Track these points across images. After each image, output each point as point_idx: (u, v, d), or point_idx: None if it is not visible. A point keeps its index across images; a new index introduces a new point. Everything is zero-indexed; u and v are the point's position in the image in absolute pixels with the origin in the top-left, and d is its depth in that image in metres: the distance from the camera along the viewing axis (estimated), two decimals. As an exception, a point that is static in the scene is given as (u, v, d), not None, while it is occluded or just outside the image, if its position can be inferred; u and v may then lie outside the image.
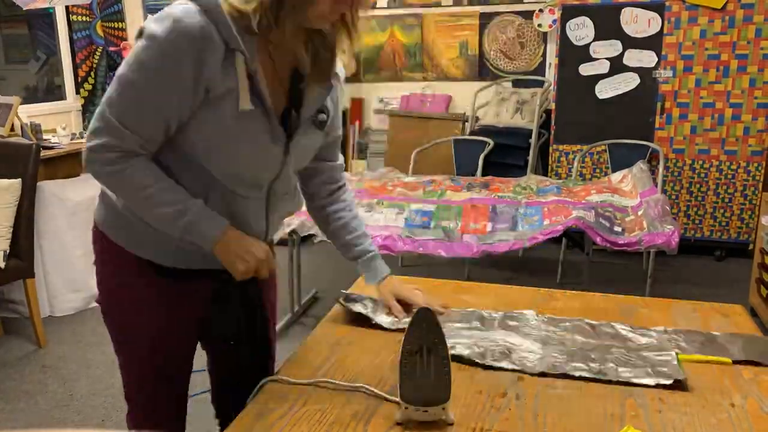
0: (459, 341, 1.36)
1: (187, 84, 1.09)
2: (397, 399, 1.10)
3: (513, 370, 1.26)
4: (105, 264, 1.32)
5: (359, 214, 1.50)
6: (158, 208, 1.15)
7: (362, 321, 1.49)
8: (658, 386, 1.19)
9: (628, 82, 4.09)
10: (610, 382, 1.21)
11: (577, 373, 1.24)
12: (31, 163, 2.86)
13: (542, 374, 1.25)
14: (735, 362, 1.29)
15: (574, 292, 1.71)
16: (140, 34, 1.10)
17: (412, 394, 1.08)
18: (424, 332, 1.07)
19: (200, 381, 2.82)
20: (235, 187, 1.21)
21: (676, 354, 1.30)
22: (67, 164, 3.39)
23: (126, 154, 1.13)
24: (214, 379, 1.55)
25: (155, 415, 1.41)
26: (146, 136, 1.13)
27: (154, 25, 1.08)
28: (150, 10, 5.85)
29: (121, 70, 1.11)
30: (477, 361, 1.29)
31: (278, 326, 2.96)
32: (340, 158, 1.47)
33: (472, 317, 1.49)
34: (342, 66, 1.29)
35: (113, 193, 1.22)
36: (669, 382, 1.20)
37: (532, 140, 4.31)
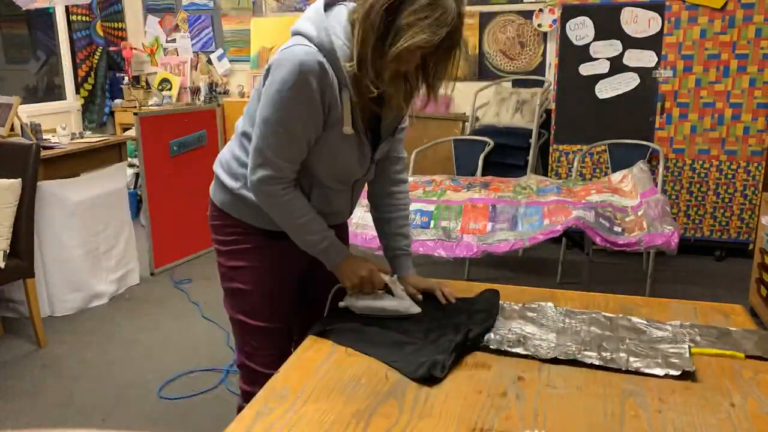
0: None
1: (319, 112, 1.36)
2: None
3: (526, 356, 1.30)
4: (225, 233, 1.57)
5: (410, 216, 1.71)
6: (307, 234, 1.49)
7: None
8: (666, 377, 1.21)
9: (628, 82, 4.09)
10: (620, 370, 1.24)
11: (588, 361, 1.27)
12: (31, 163, 2.86)
13: (555, 360, 1.28)
14: (748, 357, 1.30)
15: (574, 292, 1.71)
16: (267, 73, 1.36)
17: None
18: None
19: (203, 380, 2.83)
20: (331, 184, 1.50)
21: (689, 347, 1.32)
22: (66, 164, 3.39)
23: (287, 183, 1.42)
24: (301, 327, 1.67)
25: (267, 359, 1.59)
26: (296, 161, 1.42)
27: (283, 71, 1.31)
28: (150, 9, 5.85)
29: (265, 113, 1.36)
30: (492, 347, 1.34)
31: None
32: (404, 152, 1.70)
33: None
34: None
35: (272, 216, 1.48)
36: (678, 373, 1.22)
37: (532, 140, 4.31)
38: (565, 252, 3.83)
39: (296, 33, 1.37)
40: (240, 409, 1.58)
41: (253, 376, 1.59)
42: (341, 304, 1.54)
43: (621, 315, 1.49)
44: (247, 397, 1.57)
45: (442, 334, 1.39)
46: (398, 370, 1.27)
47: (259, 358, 1.60)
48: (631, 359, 1.27)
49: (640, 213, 2.87)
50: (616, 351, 1.31)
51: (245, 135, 1.49)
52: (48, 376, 2.75)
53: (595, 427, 1.07)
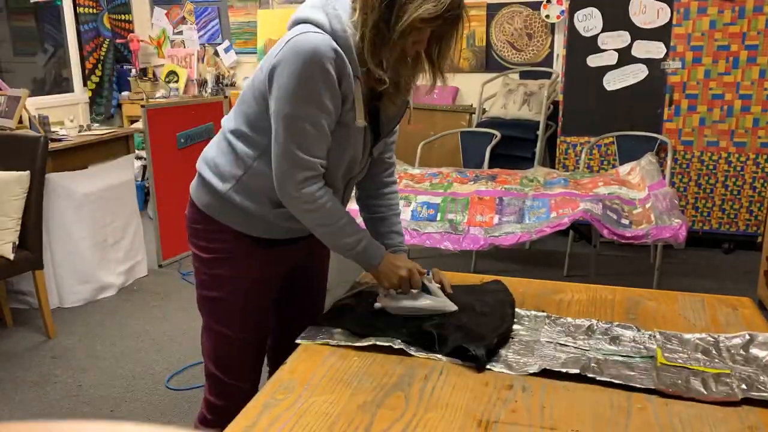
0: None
1: (338, 102, 1.29)
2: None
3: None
4: (208, 239, 1.46)
5: (401, 216, 1.65)
6: (345, 237, 1.41)
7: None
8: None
9: (636, 74, 4.06)
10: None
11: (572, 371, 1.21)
12: (39, 156, 2.87)
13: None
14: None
15: (581, 284, 1.71)
16: (272, 71, 1.27)
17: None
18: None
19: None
20: (332, 181, 1.42)
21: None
22: (74, 156, 3.40)
23: (323, 183, 1.36)
24: (277, 334, 1.66)
25: (241, 371, 1.54)
26: (324, 155, 1.34)
27: (299, 61, 1.23)
28: (156, 2, 5.84)
29: (286, 109, 1.27)
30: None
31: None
32: (394, 158, 1.64)
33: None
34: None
35: (307, 223, 1.40)
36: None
37: (540, 132, 4.30)
38: (572, 244, 3.82)
39: (302, 21, 1.29)
40: (204, 419, 1.54)
41: (223, 388, 1.52)
42: (377, 305, 1.47)
43: (653, 333, 1.37)
44: (212, 408, 1.53)
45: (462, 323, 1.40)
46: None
47: (233, 371, 1.52)
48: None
49: (647, 205, 2.86)
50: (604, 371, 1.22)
51: (237, 134, 1.39)
52: (57, 368, 2.77)
53: (601, 419, 1.07)
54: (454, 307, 1.47)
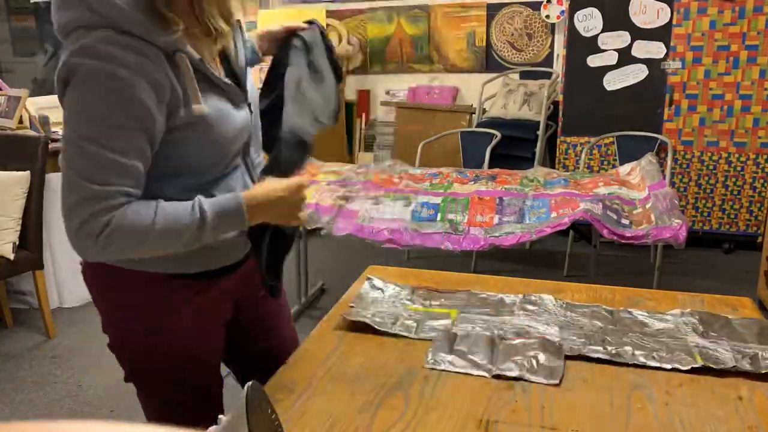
0: (478, 325, 1.41)
1: (151, 110, 1.00)
2: None
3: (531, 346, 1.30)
4: (124, 293, 1.20)
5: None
6: (176, 229, 1.04)
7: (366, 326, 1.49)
8: (674, 370, 1.22)
9: (636, 74, 4.06)
10: (626, 364, 1.24)
11: (594, 355, 1.27)
12: (39, 156, 2.88)
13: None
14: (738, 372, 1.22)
15: (581, 284, 1.71)
16: (64, 83, 0.99)
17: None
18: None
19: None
20: (220, 169, 1.16)
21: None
22: (75, 156, 3.40)
23: (113, 210, 1.01)
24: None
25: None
26: (132, 179, 1.02)
27: (84, 79, 0.97)
28: (157, 2, 5.84)
29: (68, 132, 0.99)
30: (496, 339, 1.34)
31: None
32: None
33: (491, 301, 1.56)
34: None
35: (128, 256, 1.09)
36: (686, 368, 1.22)
37: (540, 132, 4.30)
38: (572, 244, 3.82)
39: (68, 32, 1.00)
40: None
41: None
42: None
43: (622, 308, 1.49)
44: None
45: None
46: None
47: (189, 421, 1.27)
48: (637, 352, 1.28)
49: (648, 206, 2.86)
50: (620, 345, 1.31)
51: None
52: (57, 367, 2.77)
53: (601, 419, 1.07)
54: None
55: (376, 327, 1.40)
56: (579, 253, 3.84)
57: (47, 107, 3.79)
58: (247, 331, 1.38)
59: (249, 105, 1.20)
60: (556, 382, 1.18)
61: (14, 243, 2.80)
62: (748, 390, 1.16)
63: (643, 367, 1.23)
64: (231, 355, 1.38)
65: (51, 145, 3.07)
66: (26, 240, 2.86)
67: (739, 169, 4.00)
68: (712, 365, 1.22)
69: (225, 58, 1.20)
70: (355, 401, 1.14)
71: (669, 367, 1.23)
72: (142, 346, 1.21)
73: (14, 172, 2.82)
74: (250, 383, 0.76)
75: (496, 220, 2.90)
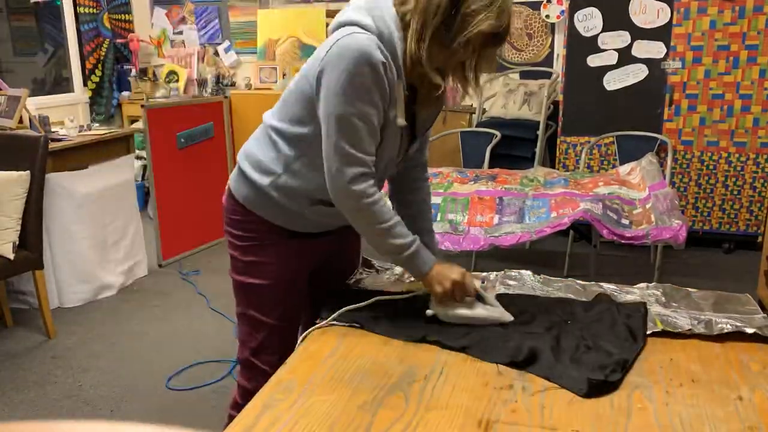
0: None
1: (386, 101, 1.32)
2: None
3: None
4: (244, 229, 1.51)
5: (431, 210, 1.68)
6: (393, 238, 1.39)
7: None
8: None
9: (636, 74, 4.06)
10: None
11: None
12: (39, 156, 2.87)
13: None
14: (692, 335, 1.37)
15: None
16: (320, 73, 1.30)
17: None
18: None
19: (211, 371, 2.84)
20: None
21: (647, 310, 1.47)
22: (74, 156, 3.40)
23: (375, 180, 1.37)
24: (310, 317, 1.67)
25: (273, 356, 1.55)
26: (374, 152, 1.36)
27: (349, 60, 1.26)
28: (157, 1, 5.84)
29: (338, 109, 1.29)
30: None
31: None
32: (427, 156, 1.66)
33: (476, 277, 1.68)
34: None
35: (357, 223, 1.41)
36: (648, 333, 1.37)
37: (540, 132, 4.30)
38: (572, 244, 3.82)
39: (347, 23, 1.32)
40: (236, 404, 1.59)
41: (255, 373, 1.56)
42: (428, 312, 1.42)
43: (593, 282, 1.65)
44: (244, 394, 1.56)
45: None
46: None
47: (264, 356, 1.56)
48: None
49: (648, 206, 2.86)
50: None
51: (279, 132, 1.43)
52: (57, 368, 2.77)
53: (601, 419, 1.07)
54: (510, 317, 1.41)
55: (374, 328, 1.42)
56: (579, 253, 3.84)
57: (46, 107, 3.80)
58: (324, 274, 1.67)
59: (408, 152, 1.51)
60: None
61: (14, 243, 2.80)
62: (748, 390, 1.16)
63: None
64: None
65: (51, 145, 3.07)
66: (26, 240, 2.86)
67: (739, 169, 4.00)
68: (670, 329, 1.37)
69: (412, 117, 1.47)
70: (355, 401, 1.13)
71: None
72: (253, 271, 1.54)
73: (14, 172, 2.82)
74: None
75: (496, 220, 2.90)
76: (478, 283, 1.44)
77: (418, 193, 1.62)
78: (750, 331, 1.34)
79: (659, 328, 1.38)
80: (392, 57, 1.30)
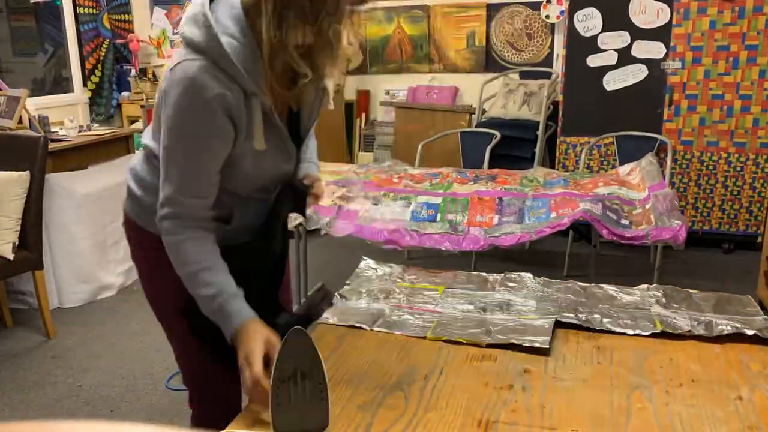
0: (462, 299, 1.57)
1: (227, 134, 1.17)
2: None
3: (510, 321, 1.45)
4: (143, 248, 1.40)
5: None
6: (199, 287, 1.22)
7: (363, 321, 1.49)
8: (636, 335, 1.38)
9: (636, 74, 4.06)
10: (594, 329, 1.40)
11: (566, 320, 1.42)
12: (39, 156, 2.87)
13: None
14: (692, 337, 1.38)
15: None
16: (162, 97, 1.17)
17: (286, 424, 0.99)
18: (299, 355, 1.00)
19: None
20: (256, 195, 1.32)
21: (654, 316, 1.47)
22: (74, 157, 3.40)
23: (192, 222, 1.22)
24: None
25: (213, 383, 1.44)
26: (205, 197, 1.23)
27: (176, 95, 1.13)
28: (156, 2, 5.84)
29: (165, 143, 1.18)
30: (478, 314, 1.49)
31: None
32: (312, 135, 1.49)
33: (475, 279, 1.74)
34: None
35: (171, 260, 1.26)
36: (647, 333, 1.37)
37: (540, 132, 4.30)
38: (572, 245, 3.82)
39: (185, 43, 1.17)
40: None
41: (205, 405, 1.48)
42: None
43: (594, 284, 1.66)
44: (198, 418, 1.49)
45: None
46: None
47: (210, 386, 1.47)
48: (605, 320, 1.42)
49: (647, 206, 2.86)
50: (590, 314, 1.46)
51: (148, 150, 1.33)
52: (57, 368, 2.77)
53: (601, 419, 1.07)
54: None
55: (358, 326, 1.44)
56: (579, 253, 3.84)
57: (46, 107, 3.80)
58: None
59: (298, 154, 1.35)
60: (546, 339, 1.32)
61: (14, 243, 2.80)
62: (748, 390, 1.16)
63: (609, 332, 1.38)
64: None
65: (50, 145, 3.07)
66: (26, 240, 2.86)
67: (738, 169, 4.00)
68: (670, 330, 1.37)
69: (295, 114, 1.32)
70: (355, 401, 1.13)
71: (632, 332, 1.38)
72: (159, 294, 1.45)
73: (14, 173, 2.82)
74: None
75: (495, 220, 2.90)
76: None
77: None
78: (750, 332, 1.34)
79: (659, 329, 1.38)
80: (232, 74, 1.13)
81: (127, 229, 1.43)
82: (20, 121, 3.42)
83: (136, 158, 1.41)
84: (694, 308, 1.50)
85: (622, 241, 2.68)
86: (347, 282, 1.65)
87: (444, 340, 1.36)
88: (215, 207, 1.26)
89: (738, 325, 1.37)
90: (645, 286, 1.63)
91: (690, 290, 1.60)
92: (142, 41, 5.78)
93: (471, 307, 1.51)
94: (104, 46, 5.62)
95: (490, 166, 3.94)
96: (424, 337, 1.37)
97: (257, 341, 1.15)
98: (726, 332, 1.35)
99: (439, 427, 1.05)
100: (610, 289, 1.62)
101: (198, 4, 1.15)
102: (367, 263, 1.81)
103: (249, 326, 1.18)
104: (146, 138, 1.35)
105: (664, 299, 1.55)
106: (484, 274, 1.73)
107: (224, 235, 1.29)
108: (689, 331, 1.37)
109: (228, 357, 1.23)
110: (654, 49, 4.00)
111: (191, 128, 1.16)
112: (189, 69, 1.13)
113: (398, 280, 1.70)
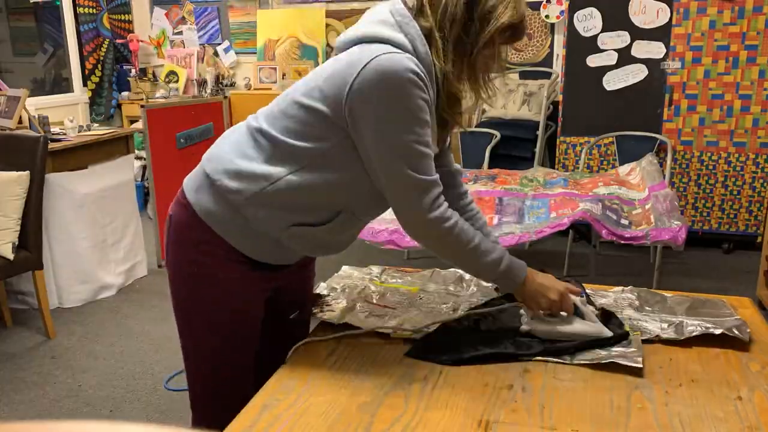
0: (437, 298, 1.58)
1: (432, 119, 1.24)
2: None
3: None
4: (197, 250, 1.32)
5: (485, 220, 1.55)
6: (485, 256, 1.29)
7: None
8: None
9: (636, 74, 4.06)
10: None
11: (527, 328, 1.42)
12: (38, 156, 2.87)
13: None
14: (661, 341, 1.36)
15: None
16: (355, 93, 1.15)
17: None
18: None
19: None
20: (371, 211, 1.35)
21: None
22: (74, 157, 3.40)
23: (444, 201, 1.26)
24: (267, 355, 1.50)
25: (226, 397, 1.38)
26: (436, 173, 1.25)
27: (391, 85, 1.15)
28: (156, 2, 5.84)
29: (390, 140, 1.18)
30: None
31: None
32: (456, 165, 1.56)
33: (450, 278, 1.72)
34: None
35: (445, 252, 1.30)
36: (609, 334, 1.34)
37: (539, 132, 4.30)
38: (571, 245, 3.82)
39: (374, 40, 1.19)
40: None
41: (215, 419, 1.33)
42: (523, 328, 1.35)
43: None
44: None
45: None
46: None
47: (224, 399, 1.39)
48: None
49: (647, 206, 2.86)
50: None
51: (271, 139, 1.23)
52: (56, 368, 2.77)
53: (601, 419, 1.07)
54: (609, 333, 1.32)
55: (358, 326, 1.43)
56: (579, 253, 3.84)
57: (46, 107, 3.80)
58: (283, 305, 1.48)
59: None
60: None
61: (14, 243, 2.80)
62: (748, 390, 1.16)
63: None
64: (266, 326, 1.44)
65: (50, 145, 3.07)
66: (26, 240, 2.86)
67: (738, 169, 4.00)
68: (637, 334, 1.35)
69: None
70: (355, 400, 1.14)
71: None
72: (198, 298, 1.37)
73: (14, 172, 2.82)
74: None
75: (495, 220, 2.90)
76: (577, 299, 1.35)
77: (468, 212, 1.49)
78: (717, 332, 1.32)
79: (631, 333, 1.36)
80: (429, 78, 1.21)
81: (185, 226, 1.32)
82: (20, 121, 3.42)
83: (227, 146, 1.29)
84: (667, 311, 1.47)
85: (622, 241, 2.68)
86: (327, 282, 1.69)
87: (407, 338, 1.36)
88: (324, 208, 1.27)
89: (708, 326, 1.35)
90: (620, 288, 1.61)
91: (665, 293, 1.57)
92: (142, 41, 5.78)
93: (444, 307, 1.52)
94: (104, 46, 5.62)
95: (490, 166, 3.94)
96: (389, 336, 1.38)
97: (549, 277, 1.37)
98: (695, 333, 1.33)
99: (439, 427, 1.05)
100: (588, 290, 1.55)
101: (393, 14, 1.21)
102: (350, 266, 1.83)
103: (535, 273, 1.36)
104: (263, 125, 1.25)
105: (637, 302, 1.53)
106: (460, 272, 1.70)
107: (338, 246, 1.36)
108: (657, 336, 1.35)
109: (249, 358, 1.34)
110: (654, 49, 4.00)
111: (418, 115, 1.18)
112: (401, 60, 1.15)
113: (375, 278, 1.72)
